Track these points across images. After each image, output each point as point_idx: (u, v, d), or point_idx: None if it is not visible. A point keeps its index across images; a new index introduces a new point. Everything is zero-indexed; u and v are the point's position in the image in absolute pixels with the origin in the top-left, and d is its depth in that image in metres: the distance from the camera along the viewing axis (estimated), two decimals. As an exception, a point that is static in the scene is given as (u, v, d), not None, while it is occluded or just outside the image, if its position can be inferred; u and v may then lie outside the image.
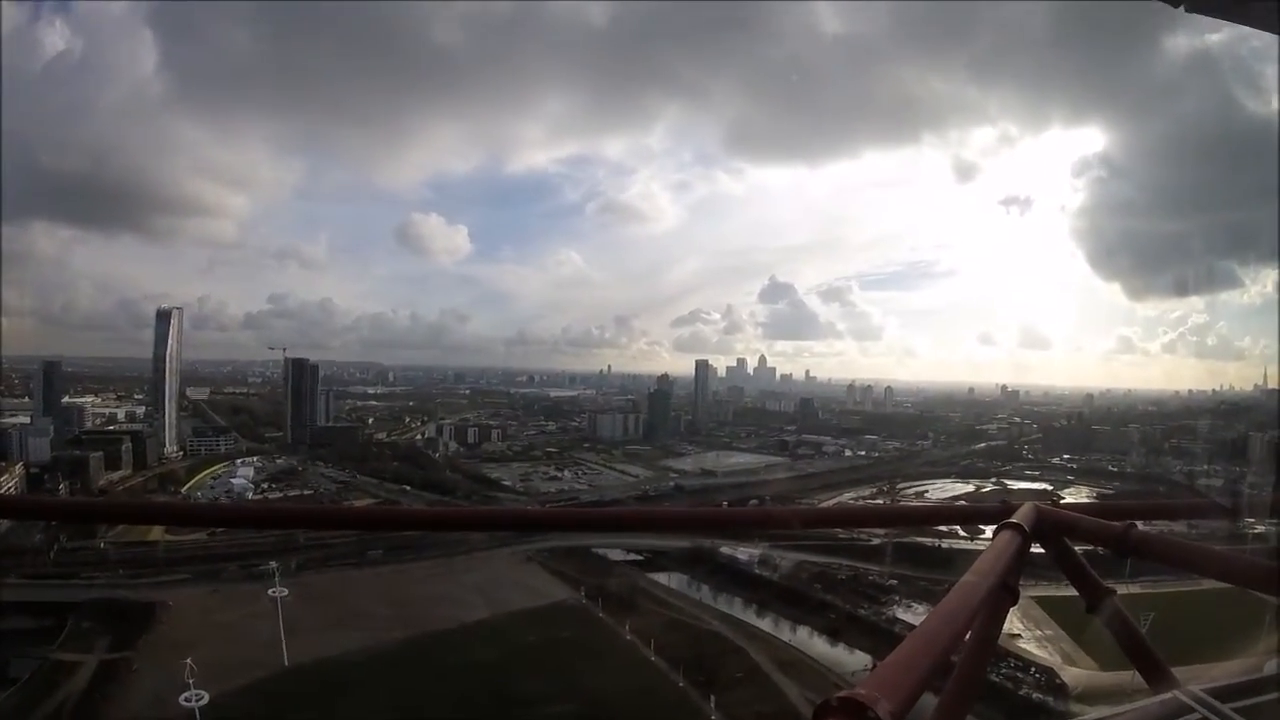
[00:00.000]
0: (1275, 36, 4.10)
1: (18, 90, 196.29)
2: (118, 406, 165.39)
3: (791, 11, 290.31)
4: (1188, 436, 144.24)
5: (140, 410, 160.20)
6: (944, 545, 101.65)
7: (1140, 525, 3.98)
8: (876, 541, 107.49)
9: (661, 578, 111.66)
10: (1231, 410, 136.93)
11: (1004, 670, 77.28)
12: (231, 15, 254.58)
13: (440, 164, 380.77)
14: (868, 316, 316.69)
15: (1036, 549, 3.92)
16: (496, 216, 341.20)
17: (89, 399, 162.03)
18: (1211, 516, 5.16)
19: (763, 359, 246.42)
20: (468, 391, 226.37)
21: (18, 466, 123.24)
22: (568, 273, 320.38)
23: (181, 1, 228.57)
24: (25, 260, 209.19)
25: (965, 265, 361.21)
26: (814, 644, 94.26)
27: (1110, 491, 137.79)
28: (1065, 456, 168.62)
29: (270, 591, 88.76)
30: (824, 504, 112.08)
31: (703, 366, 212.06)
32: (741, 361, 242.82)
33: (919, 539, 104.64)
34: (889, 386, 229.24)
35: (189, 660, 69.29)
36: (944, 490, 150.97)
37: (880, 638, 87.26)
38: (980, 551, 3.42)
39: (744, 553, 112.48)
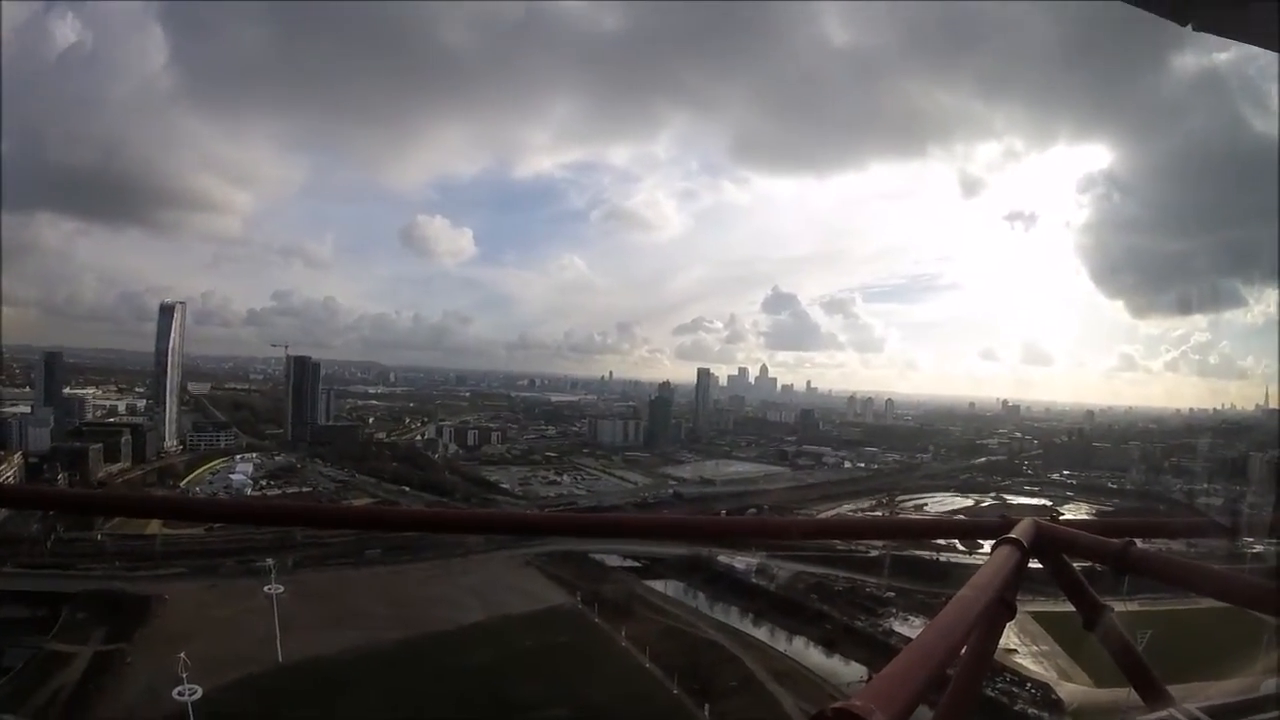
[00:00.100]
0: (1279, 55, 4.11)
1: (28, 82, 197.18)
2: (119, 399, 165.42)
3: (800, 23, 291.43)
4: (1188, 455, 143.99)
5: (141, 403, 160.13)
6: (942, 559, 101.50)
7: (1139, 543, 3.98)
8: (875, 553, 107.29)
9: (658, 585, 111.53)
10: (1232, 429, 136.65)
11: (999, 685, 77.20)
12: (242, 13, 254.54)
13: (446, 166, 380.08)
14: (870, 328, 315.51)
15: (1035, 564, 3.92)
16: (501, 220, 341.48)
17: (90, 391, 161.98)
18: (1211, 535, 5.16)
19: (764, 369, 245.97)
20: (468, 394, 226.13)
21: (17, 456, 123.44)
22: (571, 278, 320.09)
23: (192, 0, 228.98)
24: (30, 251, 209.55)
25: (969, 279, 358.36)
26: (810, 654, 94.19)
27: (1109, 509, 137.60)
28: (1065, 473, 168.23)
29: (266, 588, 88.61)
30: (823, 515, 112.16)
31: (704, 375, 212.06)
32: (743, 371, 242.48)
33: (917, 552, 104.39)
34: (890, 399, 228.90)
35: (183, 654, 69.24)
36: (943, 504, 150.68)
37: (876, 649, 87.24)
38: (978, 566, 3.42)
39: (741, 562, 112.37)
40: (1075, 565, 4.13)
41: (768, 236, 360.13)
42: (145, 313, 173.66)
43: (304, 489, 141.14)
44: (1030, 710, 76.57)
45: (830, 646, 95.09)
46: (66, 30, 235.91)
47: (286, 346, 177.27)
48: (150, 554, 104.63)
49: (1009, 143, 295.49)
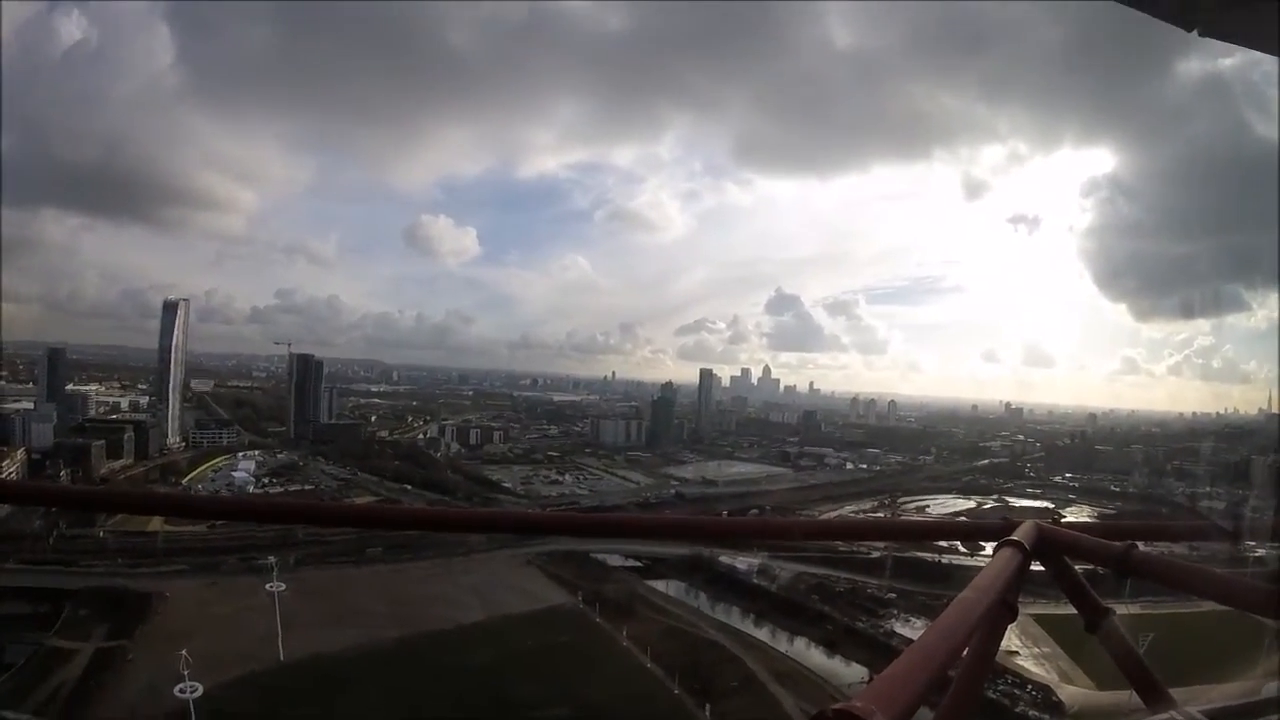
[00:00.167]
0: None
1: (33, 79, 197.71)
2: (121, 395, 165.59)
3: (804, 25, 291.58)
4: (1190, 458, 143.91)
5: (144, 400, 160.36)
6: (944, 560, 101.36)
7: (1141, 546, 3.98)
8: (876, 555, 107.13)
9: (660, 585, 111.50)
10: (1235, 433, 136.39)
11: (1001, 687, 77.11)
12: (248, 13, 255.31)
13: (451, 166, 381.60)
14: (873, 330, 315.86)
15: (1036, 567, 3.93)
16: (505, 220, 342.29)
17: (93, 387, 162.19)
18: (1213, 539, 5.16)
19: (767, 370, 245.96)
20: (471, 393, 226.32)
21: (20, 452, 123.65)
22: (574, 278, 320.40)
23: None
24: (34, 247, 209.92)
25: (972, 282, 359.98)
26: (811, 655, 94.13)
27: (1112, 511, 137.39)
28: (1067, 475, 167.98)
29: (268, 586, 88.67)
30: (825, 516, 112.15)
31: (707, 375, 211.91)
32: (746, 372, 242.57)
33: (919, 554, 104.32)
34: (893, 401, 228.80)
35: (184, 651, 69.24)
36: (945, 506, 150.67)
37: (878, 651, 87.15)
38: (980, 568, 3.43)
39: (743, 562, 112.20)
40: (1077, 568, 4.13)
41: (771, 238, 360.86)
42: (149, 309, 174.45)
43: (306, 487, 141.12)
44: (1031, 712, 76.51)
45: (831, 647, 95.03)
46: (72, 27, 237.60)
47: (289, 344, 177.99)
48: (152, 551, 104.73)
49: (1013, 146, 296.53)
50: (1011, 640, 78.23)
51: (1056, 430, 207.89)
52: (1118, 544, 4.00)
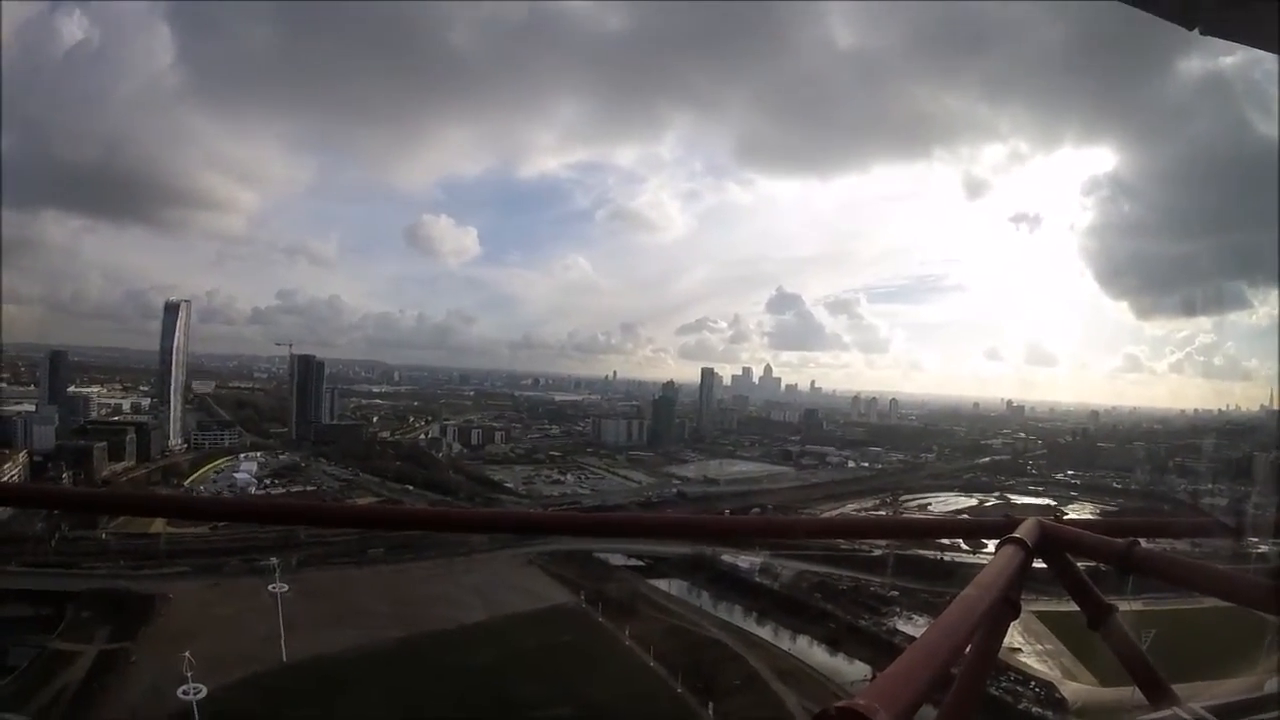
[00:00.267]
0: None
1: (34, 80, 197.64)
2: (123, 397, 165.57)
3: (805, 25, 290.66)
4: (1192, 455, 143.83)
5: (145, 402, 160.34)
6: (946, 558, 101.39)
7: (1143, 543, 3.98)
8: (878, 553, 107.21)
9: (662, 584, 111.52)
10: (1237, 430, 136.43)
11: (1004, 684, 77.14)
12: (249, 13, 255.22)
13: (452, 166, 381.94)
14: (874, 329, 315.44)
15: (1039, 564, 3.93)
16: (506, 220, 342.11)
17: (95, 389, 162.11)
18: (1215, 535, 5.16)
19: (768, 368, 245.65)
20: (472, 393, 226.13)
21: (22, 454, 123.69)
22: (575, 278, 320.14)
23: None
24: (35, 248, 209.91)
25: (973, 280, 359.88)
26: (813, 653, 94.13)
27: (1114, 509, 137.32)
28: (1069, 473, 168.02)
29: (270, 587, 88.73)
30: (827, 514, 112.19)
31: (708, 374, 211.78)
32: (747, 370, 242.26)
33: (921, 551, 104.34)
34: (894, 399, 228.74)
35: (188, 653, 69.37)
36: (947, 504, 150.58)
37: (880, 649, 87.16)
38: (982, 565, 3.43)
39: (745, 561, 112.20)
40: (1079, 565, 4.13)
41: (772, 237, 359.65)
42: (150, 311, 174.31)
43: (308, 488, 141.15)
44: (1034, 709, 76.51)
45: (834, 645, 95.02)
46: (73, 28, 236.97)
47: (291, 345, 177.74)
48: (154, 553, 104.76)
49: (1014, 145, 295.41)
50: (1014, 637, 78.33)
51: (1058, 428, 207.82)
52: (1120, 541, 4.00)
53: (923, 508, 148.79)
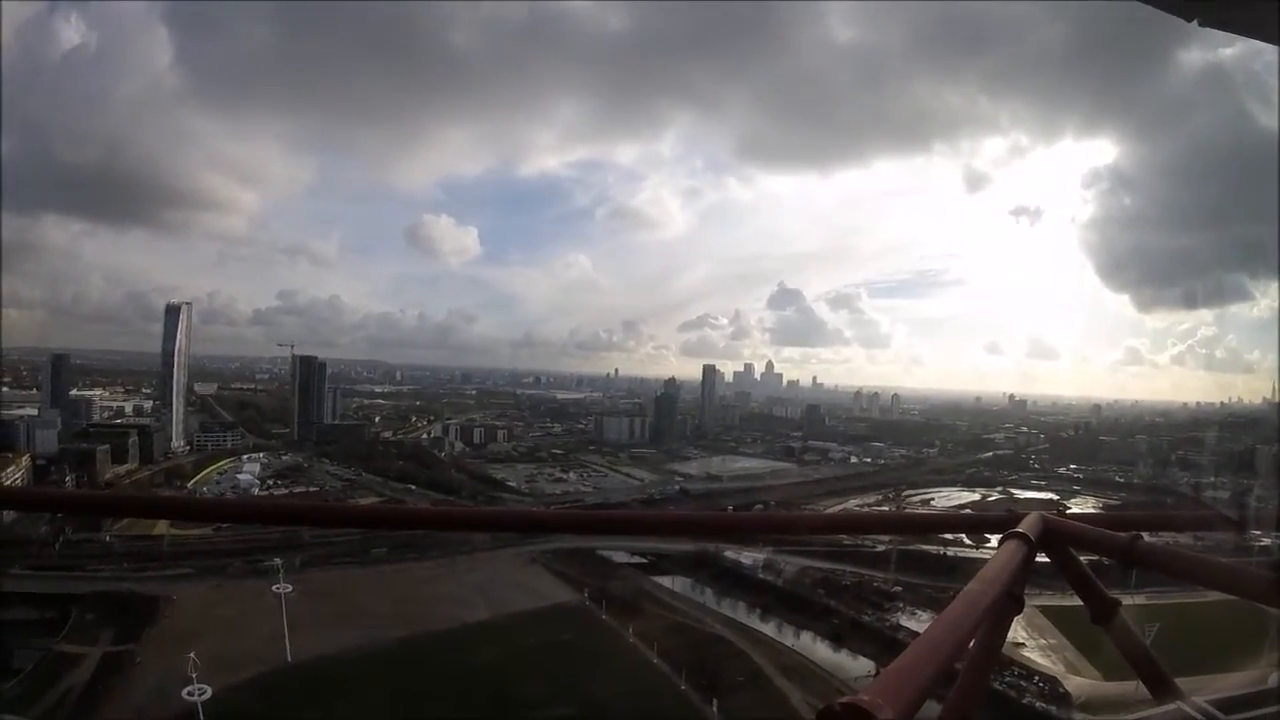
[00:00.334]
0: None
1: (33, 82, 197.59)
2: (125, 400, 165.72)
3: (804, 22, 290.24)
4: (1195, 448, 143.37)
5: (148, 404, 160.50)
6: (949, 553, 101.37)
7: (1146, 536, 3.98)
8: (881, 548, 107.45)
9: (665, 581, 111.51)
10: (1239, 423, 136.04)
11: (1007, 679, 77.17)
12: (248, 12, 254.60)
13: (452, 166, 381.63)
14: (876, 324, 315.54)
15: (1042, 558, 3.93)
16: (506, 219, 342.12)
17: (97, 392, 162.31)
18: (1218, 529, 5.16)
19: (770, 365, 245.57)
20: (474, 392, 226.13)
21: (25, 458, 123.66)
22: (576, 276, 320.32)
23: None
24: (36, 252, 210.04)
25: (974, 274, 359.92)
26: (817, 649, 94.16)
27: (1117, 502, 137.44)
28: (1072, 466, 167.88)
29: (274, 587, 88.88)
30: (829, 510, 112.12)
31: (710, 371, 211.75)
32: (749, 367, 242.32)
33: (924, 546, 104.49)
34: (896, 394, 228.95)
35: (192, 654, 69.47)
36: (950, 498, 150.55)
37: (884, 644, 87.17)
38: (986, 560, 3.43)
39: (748, 557, 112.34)
40: (1082, 559, 4.13)
41: (773, 233, 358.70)
42: (151, 313, 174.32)
43: (311, 488, 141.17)
44: (1038, 704, 76.46)
45: (838, 641, 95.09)
46: (70, 30, 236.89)
47: (292, 346, 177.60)
48: (158, 555, 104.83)
49: (1014, 138, 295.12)
50: (1018, 632, 78.28)
51: (1060, 421, 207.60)
52: (1123, 535, 4.00)
53: (925, 503, 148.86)
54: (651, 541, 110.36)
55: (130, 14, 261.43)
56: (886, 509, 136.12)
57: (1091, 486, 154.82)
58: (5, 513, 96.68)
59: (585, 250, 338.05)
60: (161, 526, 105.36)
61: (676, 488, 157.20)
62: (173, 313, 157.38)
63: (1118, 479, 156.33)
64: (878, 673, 2.58)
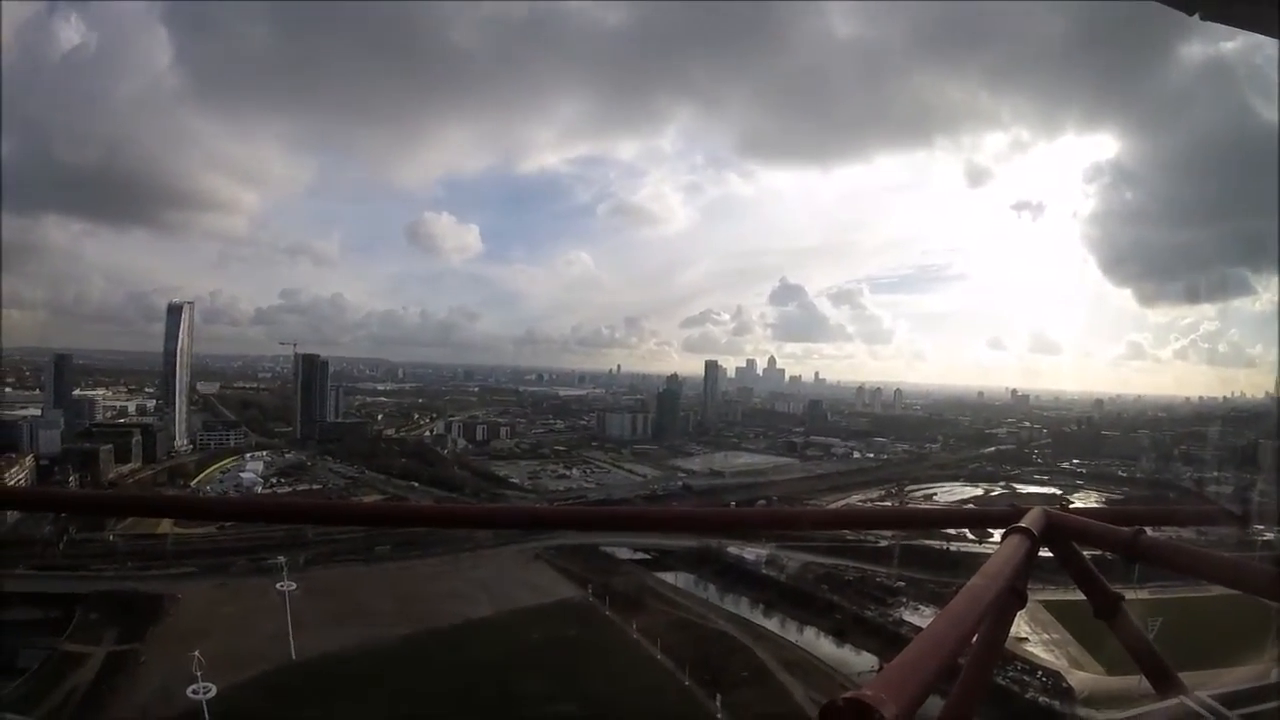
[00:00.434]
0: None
1: (33, 83, 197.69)
2: (128, 400, 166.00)
3: (805, 16, 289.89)
4: (1198, 443, 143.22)
5: (151, 404, 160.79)
6: (952, 548, 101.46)
7: (1149, 531, 3.98)
8: (884, 543, 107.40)
9: (668, 577, 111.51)
10: (1242, 417, 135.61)
11: (1010, 673, 77.16)
12: (248, 12, 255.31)
13: (453, 164, 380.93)
14: (878, 319, 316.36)
15: (1045, 553, 3.92)
16: (508, 216, 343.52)
17: (100, 392, 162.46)
18: (1221, 523, 5.15)
19: (772, 360, 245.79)
20: (477, 389, 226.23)
21: (28, 458, 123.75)
22: (578, 273, 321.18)
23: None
24: (37, 253, 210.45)
25: (976, 269, 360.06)
26: (820, 644, 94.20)
27: (1119, 497, 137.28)
28: (1075, 461, 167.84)
29: (278, 585, 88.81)
30: (832, 505, 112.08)
31: (712, 367, 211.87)
32: (751, 363, 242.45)
33: (927, 541, 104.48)
34: (898, 389, 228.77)
35: (197, 653, 69.44)
36: (952, 493, 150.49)
37: (887, 639, 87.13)
38: (988, 555, 3.43)
39: (751, 553, 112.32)
40: (1085, 554, 4.13)
41: (774, 229, 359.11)
42: (153, 313, 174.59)
43: (314, 486, 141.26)
44: (1041, 698, 76.42)
45: (841, 636, 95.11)
46: (70, 30, 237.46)
47: (295, 344, 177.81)
48: (162, 553, 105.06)
49: (1015, 133, 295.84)
50: (1021, 627, 78.36)
51: (1063, 416, 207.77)
52: (1126, 529, 4.00)
53: (928, 498, 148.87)
54: (654, 537, 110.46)
55: (130, 14, 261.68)
56: (889, 504, 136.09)
57: (1094, 481, 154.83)
58: (9, 513, 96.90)
59: (587, 247, 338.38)
60: (165, 525, 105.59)
61: (679, 484, 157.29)
62: (175, 312, 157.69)
63: (1120, 474, 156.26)
64: (881, 668, 2.58)
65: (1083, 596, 4.06)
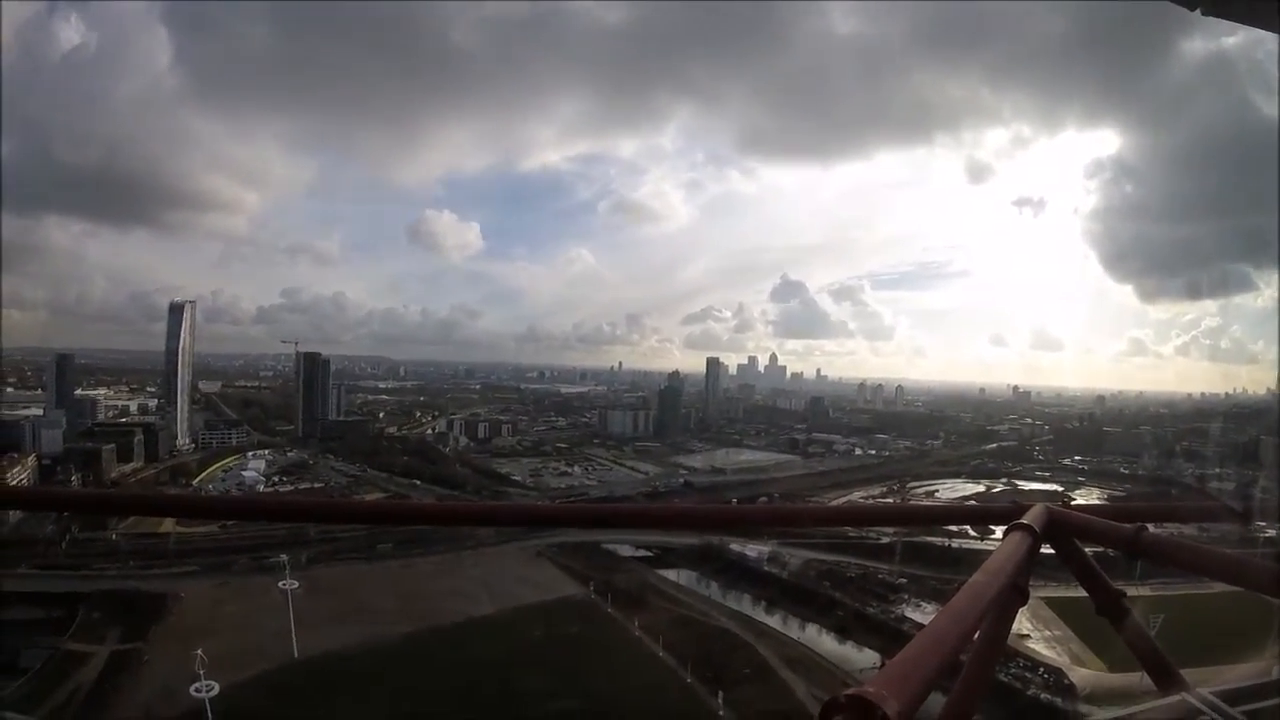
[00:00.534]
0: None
1: (34, 84, 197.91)
2: (130, 399, 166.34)
3: (805, 14, 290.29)
4: (1199, 439, 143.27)
5: (153, 403, 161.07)
6: (954, 545, 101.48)
7: (1151, 528, 3.98)
8: (886, 540, 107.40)
9: (670, 574, 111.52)
10: (1244, 413, 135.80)
11: (1012, 670, 77.13)
12: (247, 12, 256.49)
13: (454, 162, 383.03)
14: (879, 316, 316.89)
15: (1047, 550, 3.92)
16: (509, 214, 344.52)
17: (102, 391, 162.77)
18: (1223, 520, 5.15)
19: (774, 357, 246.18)
20: (478, 387, 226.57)
21: (30, 458, 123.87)
22: (579, 270, 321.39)
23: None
24: (39, 253, 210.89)
25: (977, 266, 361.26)
26: (822, 641, 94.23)
27: (1121, 494, 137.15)
28: (1076, 458, 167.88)
29: (280, 584, 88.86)
30: (834, 502, 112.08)
31: (714, 364, 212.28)
32: (752, 359, 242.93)
33: (928, 538, 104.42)
34: (900, 386, 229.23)
35: (199, 651, 69.45)
36: (954, 490, 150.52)
37: (889, 636, 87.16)
38: (990, 552, 3.43)
39: (753, 550, 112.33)
40: (1087, 550, 4.12)
41: (775, 226, 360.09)
42: (155, 312, 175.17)
43: (316, 485, 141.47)
44: (1043, 695, 76.42)
45: (843, 633, 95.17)
46: (70, 30, 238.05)
47: (296, 343, 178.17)
48: (164, 552, 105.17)
49: (1016, 129, 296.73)
50: (1023, 623, 78.35)
51: (1065, 413, 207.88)
52: (1128, 526, 4.00)
53: (930, 495, 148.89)
54: (656, 535, 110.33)
55: (130, 14, 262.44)
56: (891, 501, 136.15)
57: (1096, 478, 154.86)
58: (11, 513, 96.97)
59: (588, 244, 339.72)
60: (168, 524, 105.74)
61: (681, 481, 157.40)
62: (176, 311, 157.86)
63: (1122, 470, 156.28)
64: (883, 664, 2.58)
65: (1085, 593, 4.06)
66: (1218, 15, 4.03)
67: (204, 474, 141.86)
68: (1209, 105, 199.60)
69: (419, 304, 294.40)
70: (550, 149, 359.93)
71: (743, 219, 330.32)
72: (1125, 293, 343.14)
